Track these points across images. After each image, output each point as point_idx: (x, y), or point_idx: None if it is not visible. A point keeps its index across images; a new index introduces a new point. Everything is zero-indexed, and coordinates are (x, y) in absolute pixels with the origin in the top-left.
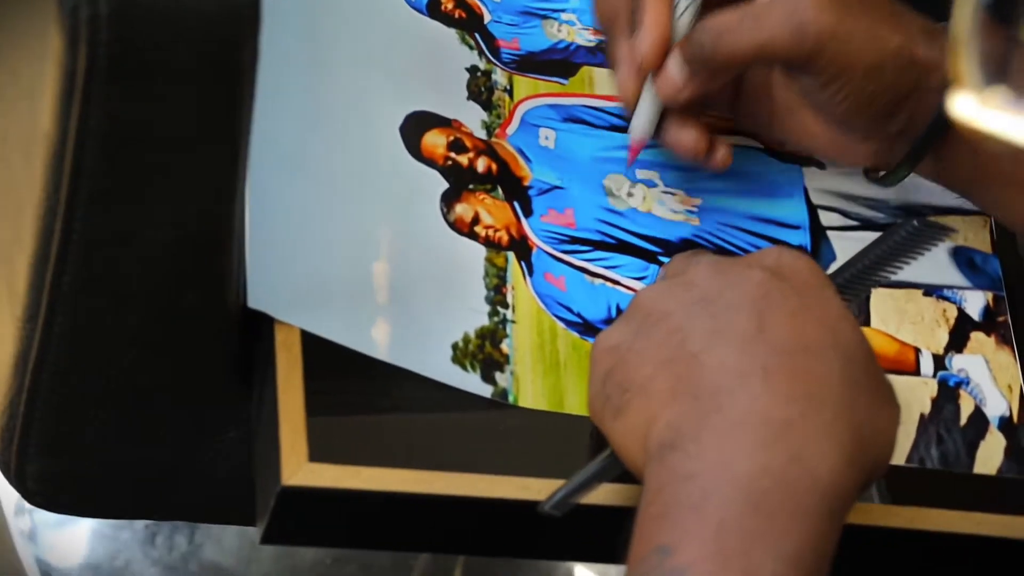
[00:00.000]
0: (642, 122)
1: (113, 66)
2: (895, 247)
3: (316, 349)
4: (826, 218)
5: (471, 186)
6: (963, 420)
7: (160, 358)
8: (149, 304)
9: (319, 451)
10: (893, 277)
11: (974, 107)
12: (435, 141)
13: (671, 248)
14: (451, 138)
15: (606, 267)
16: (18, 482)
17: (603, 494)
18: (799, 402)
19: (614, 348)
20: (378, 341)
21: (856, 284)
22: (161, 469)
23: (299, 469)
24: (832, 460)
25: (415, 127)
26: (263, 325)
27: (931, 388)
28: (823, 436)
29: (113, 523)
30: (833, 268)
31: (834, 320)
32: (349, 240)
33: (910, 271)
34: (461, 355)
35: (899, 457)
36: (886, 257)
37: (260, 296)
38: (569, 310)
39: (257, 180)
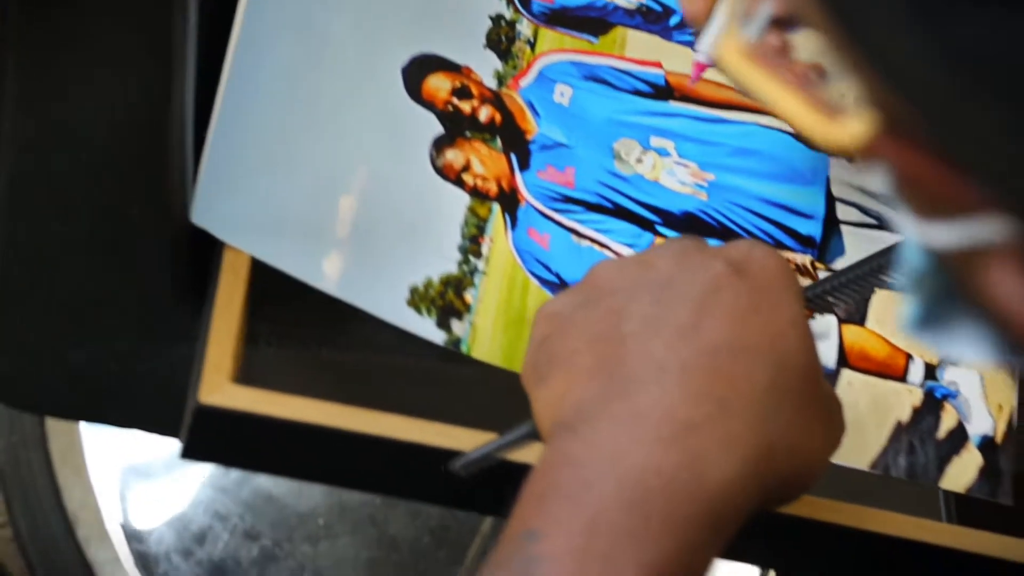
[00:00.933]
0: (712, 41)
1: None
2: (885, 266)
3: (269, 277)
4: (844, 212)
5: (467, 133)
6: (941, 433)
7: (107, 267)
8: (92, 212)
9: (248, 375)
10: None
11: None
12: (438, 85)
13: (671, 219)
14: (457, 84)
15: (597, 230)
16: None
17: None
18: (708, 405)
19: (555, 315)
20: (329, 274)
21: (834, 295)
22: (109, 376)
23: (218, 389)
24: (728, 471)
25: (419, 68)
26: (219, 244)
27: (915, 396)
28: (725, 444)
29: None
30: (840, 264)
31: (781, 326)
32: (319, 170)
33: None
34: (419, 298)
35: (864, 462)
36: (871, 274)
37: (206, 213)
38: (547, 268)
39: (231, 90)
